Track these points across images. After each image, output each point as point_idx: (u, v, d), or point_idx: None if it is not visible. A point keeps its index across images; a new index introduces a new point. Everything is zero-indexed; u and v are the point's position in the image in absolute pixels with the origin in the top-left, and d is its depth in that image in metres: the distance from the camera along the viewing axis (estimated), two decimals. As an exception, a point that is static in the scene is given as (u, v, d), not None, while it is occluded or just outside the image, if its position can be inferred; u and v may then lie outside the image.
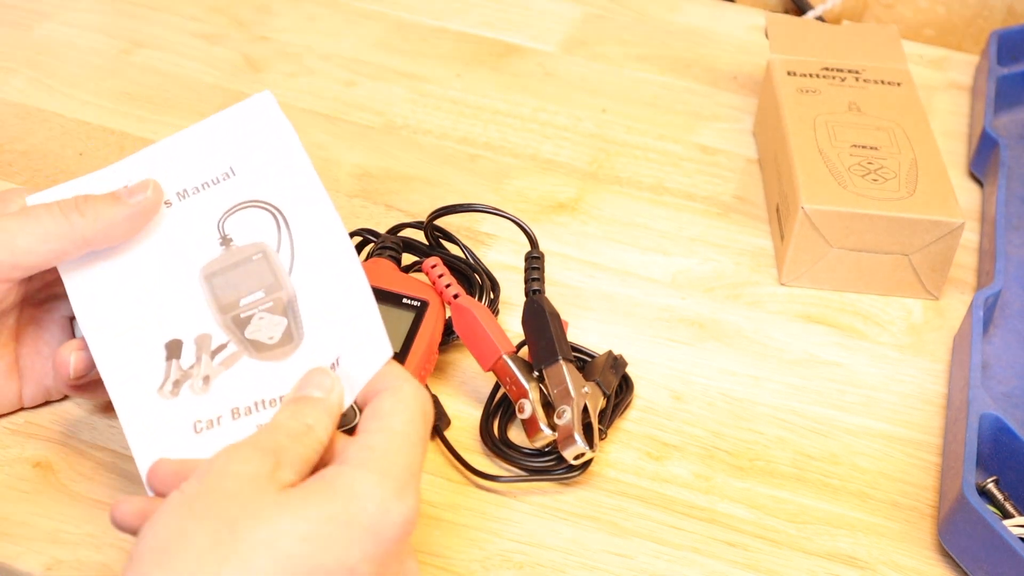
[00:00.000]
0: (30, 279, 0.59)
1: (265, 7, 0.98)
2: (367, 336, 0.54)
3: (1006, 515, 0.60)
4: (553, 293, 0.71)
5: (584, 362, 0.66)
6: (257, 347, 0.57)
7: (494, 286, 0.70)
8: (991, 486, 0.61)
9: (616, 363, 0.65)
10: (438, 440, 0.62)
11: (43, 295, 0.61)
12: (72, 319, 0.62)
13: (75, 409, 0.63)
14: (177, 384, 0.56)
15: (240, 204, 0.59)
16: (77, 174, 0.59)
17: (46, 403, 0.63)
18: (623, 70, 0.95)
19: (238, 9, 0.98)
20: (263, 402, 0.55)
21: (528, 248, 0.68)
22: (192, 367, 0.56)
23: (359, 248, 0.71)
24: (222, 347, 0.57)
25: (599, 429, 0.61)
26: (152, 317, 0.57)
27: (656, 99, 0.92)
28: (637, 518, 0.60)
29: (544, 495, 0.61)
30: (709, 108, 0.91)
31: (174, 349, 0.57)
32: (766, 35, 0.88)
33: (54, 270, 0.58)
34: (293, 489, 0.46)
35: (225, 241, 0.59)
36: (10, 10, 0.95)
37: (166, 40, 0.93)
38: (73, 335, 0.62)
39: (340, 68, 0.92)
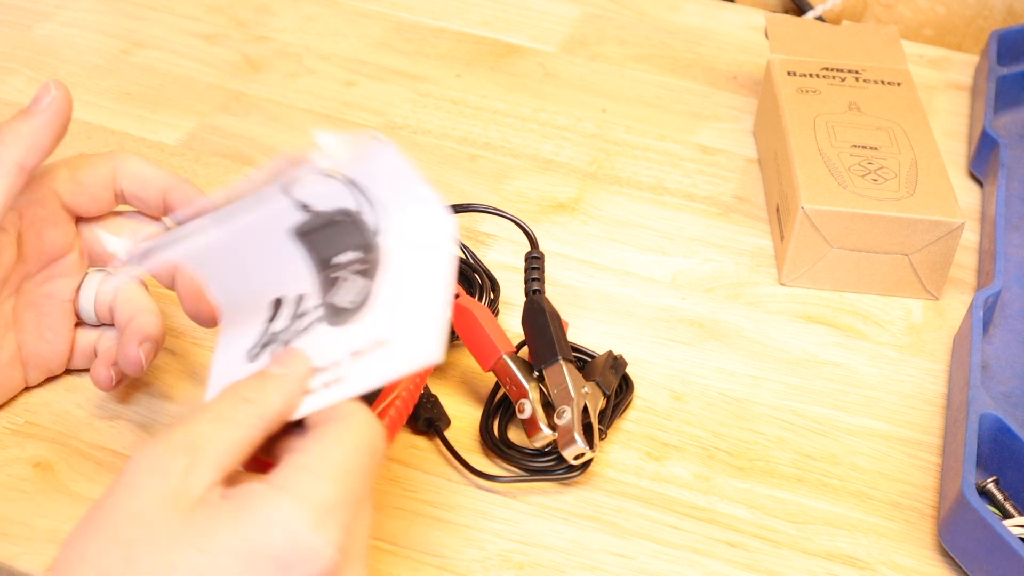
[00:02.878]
0: (26, 263, 0.59)
1: (265, 7, 0.98)
2: (419, 332, 0.50)
3: (1006, 515, 0.60)
4: (553, 293, 0.71)
5: (584, 362, 0.66)
6: (334, 312, 0.54)
7: (494, 286, 0.70)
8: (991, 486, 0.61)
9: (616, 363, 0.65)
10: (438, 440, 0.62)
11: (41, 279, 0.61)
12: (73, 302, 0.61)
13: (75, 409, 0.63)
14: (264, 347, 0.54)
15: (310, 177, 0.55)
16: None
17: (46, 404, 0.63)
18: (623, 70, 0.95)
19: (237, 9, 0.98)
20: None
21: (528, 248, 0.68)
22: (282, 331, 0.54)
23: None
24: (305, 312, 0.55)
25: (599, 429, 0.61)
26: (263, 280, 0.55)
27: (656, 99, 0.92)
28: (637, 518, 0.60)
29: (544, 495, 0.61)
30: (709, 108, 0.91)
31: (276, 308, 0.55)
32: (766, 35, 0.88)
33: (50, 253, 0.59)
34: (202, 508, 0.43)
35: (303, 207, 0.54)
36: (10, 10, 0.95)
37: (165, 40, 0.93)
38: (76, 318, 0.62)
39: (340, 68, 0.92)
